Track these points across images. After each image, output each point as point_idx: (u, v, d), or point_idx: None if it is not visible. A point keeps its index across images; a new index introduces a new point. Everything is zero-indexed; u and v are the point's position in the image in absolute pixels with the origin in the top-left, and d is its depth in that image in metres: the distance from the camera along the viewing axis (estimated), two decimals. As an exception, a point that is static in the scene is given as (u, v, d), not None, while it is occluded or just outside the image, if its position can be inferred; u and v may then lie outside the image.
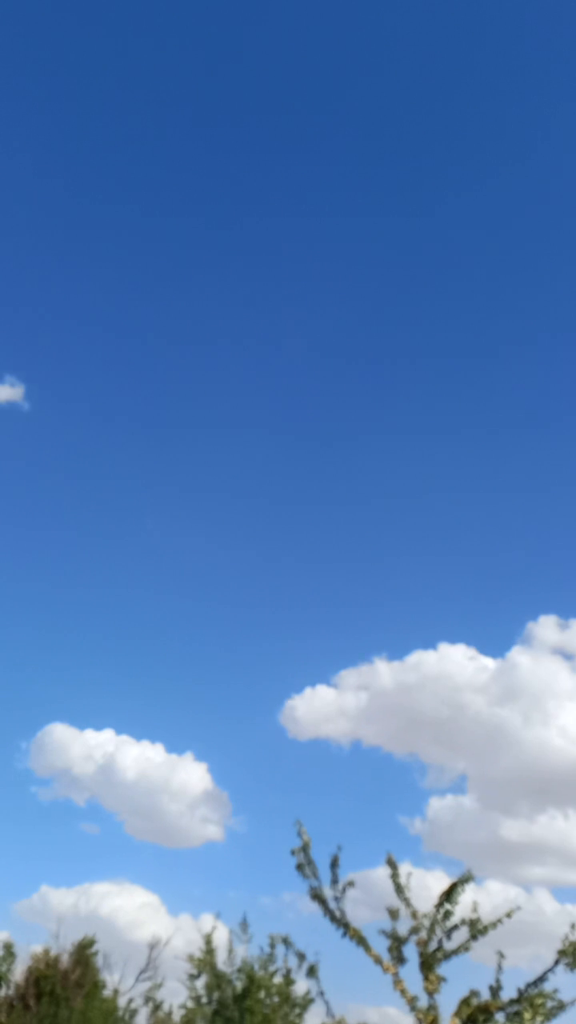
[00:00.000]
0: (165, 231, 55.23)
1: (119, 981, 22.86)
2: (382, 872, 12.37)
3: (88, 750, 43.17)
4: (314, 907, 12.29)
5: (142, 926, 32.78)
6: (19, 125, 53.28)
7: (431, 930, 11.93)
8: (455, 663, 42.85)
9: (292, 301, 54.40)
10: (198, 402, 54.38)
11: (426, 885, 12.86)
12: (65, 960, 20.89)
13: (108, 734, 43.90)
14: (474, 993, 11.49)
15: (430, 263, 55.18)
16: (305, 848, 12.47)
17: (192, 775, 43.21)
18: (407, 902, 12.13)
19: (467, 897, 11.92)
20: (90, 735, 43.87)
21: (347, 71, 52.97)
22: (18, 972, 21.26)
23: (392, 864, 12.07)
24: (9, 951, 19.77)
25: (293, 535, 53.89)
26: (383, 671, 44.33)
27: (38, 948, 22.24)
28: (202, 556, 51.36)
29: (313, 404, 54.89)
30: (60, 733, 43.81)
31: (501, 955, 12.00)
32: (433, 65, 52.98)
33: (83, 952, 20.63)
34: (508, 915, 11.75)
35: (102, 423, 53.21)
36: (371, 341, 55.18)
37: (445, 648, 43.46)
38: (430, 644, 44.41)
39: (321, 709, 44.17)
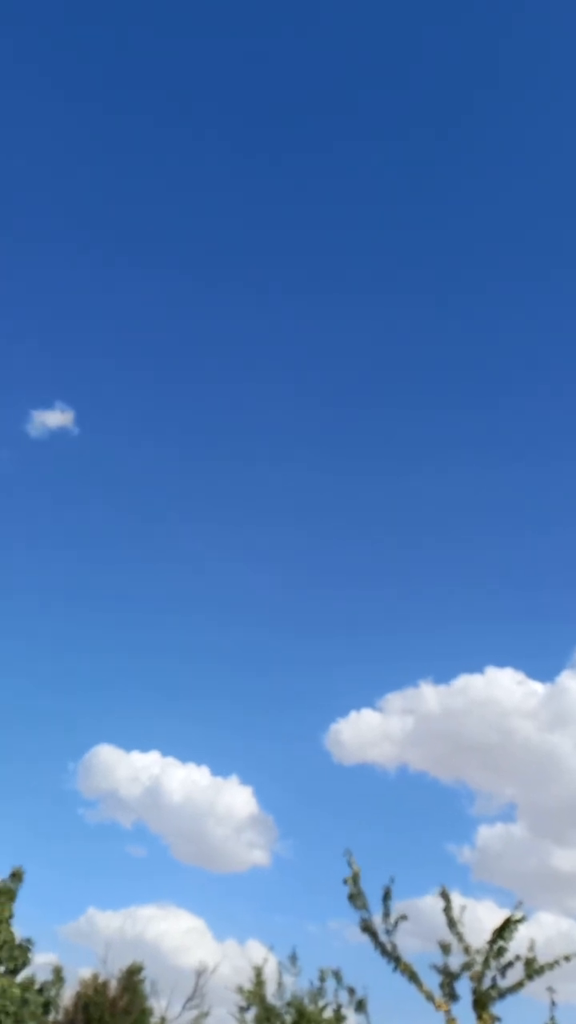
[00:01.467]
0: (209, 260, 56.05)
1: (166, 1008, 22.76)
2: (430, 901, 12.16)
3: (134, 772, 43.35)
4: (362, 936, 12.14)
5: (188, 951, 32.68)
6: (62, 160, 54.70)
7: (485, 965, 11.66)
8: (503, 688, 42.21)
9: (336, 325, 54.72)
10: (244, 427, 54.82)
11: (477, 916, 12.58)
12: (113, 986, 20.86)
13: (154, 756, 44.05)
14: (530, 1034, 11.17)
15: (467, 279, 55.11)
16: (355, 878, 12.32)
17: (237, 799, 43.08)
18: (460, 936, 11.88)
19: (522, 933, 11.65)
20: (136, 757, 44.06)
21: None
22: (67, 996, 21.28)
23: (446, 897, 11.84)
24: (58, 975, 19.82)
25: (339, 559, 53.80)
26: (429, 695, 43.81)
27: (86, 972, 22.28)
28: (248, 580, 51.55)
29: (358, 428, 54.98)
30: (107, 755, 44.07)
31: (552, 991, 11.71)
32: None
33: (131, 978, 20.59)
34: (567, 958, 11.43)
35: (148, 448, 53.93)
36: (416, 365, 55.20)
37: (492, 672, 42.85)
38: (477, 668, 43.85)
39: (366, 733, 43.78)
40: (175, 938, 34.47)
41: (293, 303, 55.07)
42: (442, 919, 11.98)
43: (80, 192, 55.69)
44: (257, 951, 15.19)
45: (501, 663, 43.14)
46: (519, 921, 11.61)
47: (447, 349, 55.08)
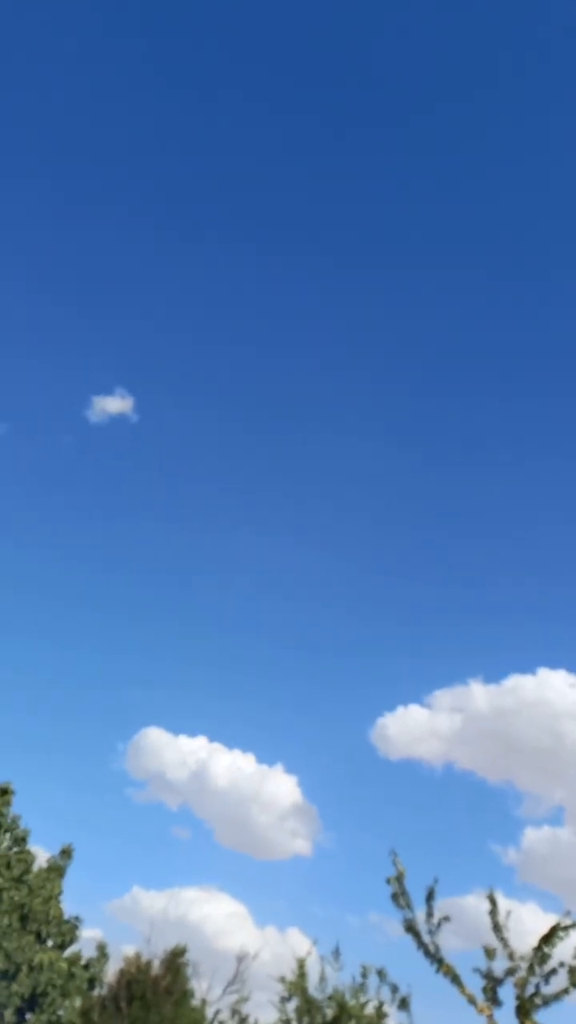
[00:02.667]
0: (265, 244, 55.99)
1: (207, 991, 23.11)
2: (472, 900, 12.14)
3: (182, 756, 43.94)
4: (403, 931, 12.15)
5: (229, 935, 33.09)
6: (118, 152, 55.12)
7: (529, 972, 11.58)
8: (555, 690, 41.58)
9: (409, 306, 54.21)
10: (304, 414, 54.71)
11: (520, 918, 12.50)
12: (156, 966, 21.28)
13: (201, 741, 44.58)
14: (574, 1044, 11.06)
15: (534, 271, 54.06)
16: (400, 878, 12.32)
17: (281, 787, 43.35)
18: (505, 942, 11.81)
19: (571, 941, 11.52)
20: (184, 741, 44.64)
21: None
22: (110, 972, 21.78)
23: (493, 901, 11.78)
24: (102, 952, 20.28)
25: (392, 550, 53.52)
26: (479, 694, 43.43)
27: (130, 950, 22.77)
28: (301, 569, 51.60)
29: (420, 421, 54.48)
30: (155, 737, 44.74)
31: (597, 1005, 11.56)
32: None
33: (175, 960, 20.97)
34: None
35: (206, 435, 54.28)
36: (495, 352, 54.39)
37: (545, 673, 42.24)
38: (528, 669, 43.25)
39: (413, 729, 43.60)
40: (217, 921, 34.97)
41: (360, 281, 54.65)
42: (485, 920, 11.94)
43: (142, 177, 56.09)
44: (297, 940, 15.37)
45: (554, 664, 42.50)
46: (568, 928, 11.49)
47: (527, 337, 54.18)
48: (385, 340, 55.06)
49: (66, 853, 20.10)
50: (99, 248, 55.72)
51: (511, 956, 11.62)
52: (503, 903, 12.05)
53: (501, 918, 11.77)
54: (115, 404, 48.47)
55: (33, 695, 47.23)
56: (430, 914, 11.96)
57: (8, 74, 52.74)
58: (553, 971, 11.59)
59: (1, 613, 47.20)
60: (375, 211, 55.36)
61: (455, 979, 11.67)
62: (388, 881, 12.15)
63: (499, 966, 11.75)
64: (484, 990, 11.54)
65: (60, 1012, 17.90)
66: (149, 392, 51.49)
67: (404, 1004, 12.64)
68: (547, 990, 11.56)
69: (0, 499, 51.38)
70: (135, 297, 56.30)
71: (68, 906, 19.49)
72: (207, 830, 45.65)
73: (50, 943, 18.64)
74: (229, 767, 43.65)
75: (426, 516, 53.91)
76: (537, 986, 11.52)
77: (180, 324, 56.19)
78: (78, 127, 54.48)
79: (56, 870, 19.50)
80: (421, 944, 11.94)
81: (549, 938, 11.65)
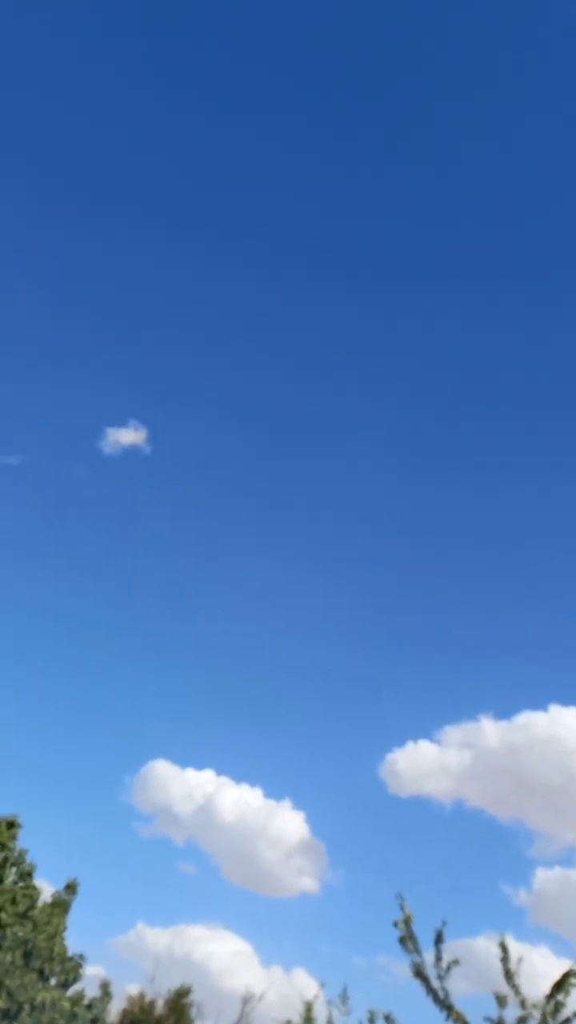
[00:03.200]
0: (276, 272, 56.49)
1: (212, 1032, 22.65)
2: (483, 942, 11.94)
3: (188, 789, 43.49)
4: (410, 972, 11.91)
5: (234, 974, 32.51)
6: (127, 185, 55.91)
7: (542, 1022, 11.32)
8: (567, 727, 41.06)
9: (417, 339, 54.44)
10: (319, 445, 54.72)
11: (531, 962, 12.23)
12: (160, 1006, 20.92)
13: (208, 774, 44.15)
14: None
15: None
16: (407, 921, 12.11)
17: (289, 823, 42.81)
18: (516, 989, 11.56)
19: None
20: (191, 774, 44.22)
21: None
22: (113, 1012, 21.41)
23: (504, 948, 11.55)
24: (105, 990, 19.95)
25: (403, 583, 53.27)
26: (489, 730, 42.94)
27: (133, 989, 22.40)
28: (312, 601, 51.39)
29: (435, 450, 54.42)
30: (163, 770, 44.35)
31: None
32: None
33: (179, 1000, 20.61)
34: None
35: (219, 465, 54.42)
36: (501, 384, 54.36)
37: (557, 711, 41.75)
38: (540, 705, 42.76)
39: (423, 766, 43.07)
40: (222, 960, 34.38)
41: (374, 304, 54.78)
42: (496, 963, 11.70)
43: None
44: (303, 980, 15.09)
45: (566, 701, 42.02)
46: (578, 976, 11.25)
47: (548, 360, 54.15)
48: (402, 366, 55.20)
49: (71, 888, 19.87)
50: (112, 276, 56.24)
51: (523, 1004, 11.37)
52: (514, 947, 11.82)
53: (513, 965, 11.53)
54: (129, 436, 48.79)
55: (39, 725, 46.99)
56: (439, 958, 11.73)
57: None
58: (567, 1021, 11.33)
59: (11, 642, 47.19)
60: (378, 223, 55.31)
61: (465, 1027, 11.42)
62: (395, 924, 11.95)
63: (511, 1014, 11.51)
64: (495, 1040, 11.28)
65: (62, 1053, 17.56)
66: (162, 424, 51.75)
67: (413, 1052, 12.35)
68: (561, 1040, 11.29)
69: (13, 528, 51.55)
70: (149, 328, 56.83)
71: (72, 942, 19.21)
72: (214, 866, 45.04)
73: (53, 981, 18.33)
74: (236, 801, 43.20)
75: (439, 549, 53.74)
76: (551, 1036, 11.26)
77: (194, 355, 56.61)
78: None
79: (60, 905, 19.24)
80: (430, 990, 11.70)
81: (561, 985, 11.39)
